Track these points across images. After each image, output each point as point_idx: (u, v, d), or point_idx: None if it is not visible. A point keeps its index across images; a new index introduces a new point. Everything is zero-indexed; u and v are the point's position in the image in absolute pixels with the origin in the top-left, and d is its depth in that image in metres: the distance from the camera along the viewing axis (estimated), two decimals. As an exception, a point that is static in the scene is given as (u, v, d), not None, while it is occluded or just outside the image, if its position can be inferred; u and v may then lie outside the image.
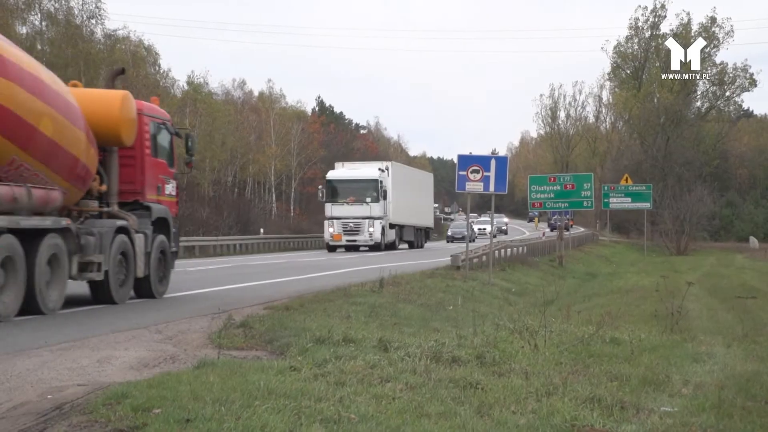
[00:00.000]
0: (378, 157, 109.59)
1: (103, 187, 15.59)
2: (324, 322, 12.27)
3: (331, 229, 43.82)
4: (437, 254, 39.50)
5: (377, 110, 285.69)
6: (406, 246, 50.24)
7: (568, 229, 56.64)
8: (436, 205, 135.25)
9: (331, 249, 44.09)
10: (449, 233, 70.36)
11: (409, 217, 49.16)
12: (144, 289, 16.28)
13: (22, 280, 12.65)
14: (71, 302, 14.51)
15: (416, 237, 51.23)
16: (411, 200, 49.86)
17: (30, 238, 12.89)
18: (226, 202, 58.30)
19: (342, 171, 46.28)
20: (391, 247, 45.98)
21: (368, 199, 43.79)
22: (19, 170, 12.85)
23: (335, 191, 44.02)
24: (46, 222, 13.47)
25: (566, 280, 33.53)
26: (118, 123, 15.29)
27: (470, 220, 49.53)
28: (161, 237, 16.76)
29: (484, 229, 76.87)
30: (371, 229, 43.60)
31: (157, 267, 16.54)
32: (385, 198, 44.29)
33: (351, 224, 43.71)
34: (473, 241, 64.11)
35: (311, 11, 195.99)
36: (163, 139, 17.49)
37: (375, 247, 43.90)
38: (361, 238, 43.80)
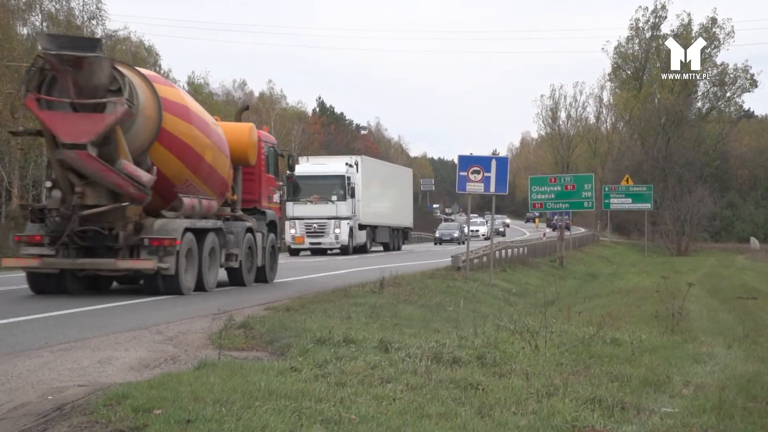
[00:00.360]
0: (378, 158, 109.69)
1: (234, 197, 20.15)
2: (324, 322, 12.27)
3: (292, 231, 39.76)
4: (423, 257, 38.71)
5: (378, 111, 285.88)
6: (381, 248, 47.05)
7: (569, 229, 57.28)
8: (437, 205, 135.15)
9: (294, 253, 40.19)
10: (436, 234, 67.02)
11: (382, 216, 45.63)
12: (260, 276, 20.70)
13: (196, 266, 17.33)
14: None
15: (392, 238, 47.46)
16: (385, 198, 46.55)
17: (199, 236, 17.43)
18: (226, 203, 58.19)
19: (305, 166, 41.48)
20: (361, 250, 42.41)
21: (334, 197, 39.86)
22: (189, 188, 17.40)
23: (297, 189, 38.91)
24: (209, 224, 18.09)
25: (567, 281, 33.53)
26: (246, 148, 20.11)
27: (459, 221, 48.46)
28: (272, 235, 21.61)
29: (477, 230, 73.13)
30: (337, 231, 39.73)
31: (270, 258, 21.28)
32: (353, 196, 40.46)
33: (315, 225, 39.81)
34: (463, 242, 60.57)
35: (312, 12, 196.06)
36: (272, 158, 22.41)
37: (343, 250, 40.51)
38: (327, 241, 40.04)
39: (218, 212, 18.94)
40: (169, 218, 16.75)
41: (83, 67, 15.39)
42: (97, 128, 15.51)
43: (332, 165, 41.45)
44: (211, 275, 17.95)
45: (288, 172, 24.55)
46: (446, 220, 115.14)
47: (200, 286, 17.42)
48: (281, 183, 23.64)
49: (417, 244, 63.96)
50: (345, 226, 40.06)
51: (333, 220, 39.71)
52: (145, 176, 16.01)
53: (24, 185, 43.96)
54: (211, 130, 18.30)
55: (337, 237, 39.85)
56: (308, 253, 40.79)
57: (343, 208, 39.99)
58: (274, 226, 21.84)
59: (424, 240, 75.13)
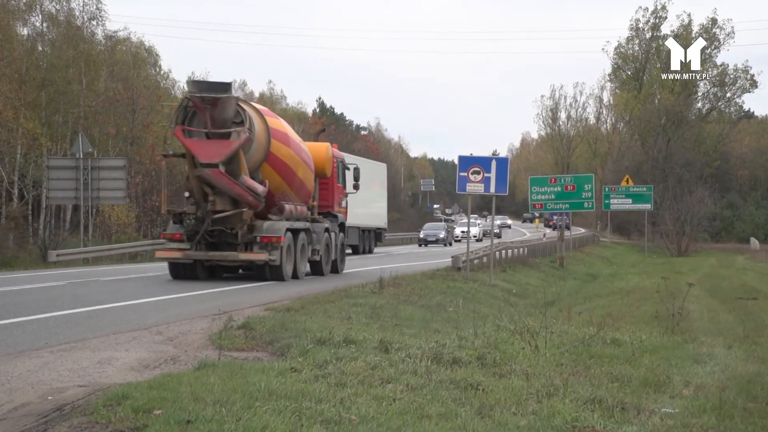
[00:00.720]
0: (378, 159, 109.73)
1: (314, 203, 24.38)
2: (325, 323, 12.28)
3: None
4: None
5: (378, 111, 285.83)
6: (349, 251, 39.65)
7: (568, 228, 57.54)
8: (437, 206, 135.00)
9: None
10: (420, 235, 60.29)
11: (352, 215, 39.88)
12: (333, 267, 25.06)
13: (293, 258, 21.65)
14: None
15: (362, 240, 42.26)
16: (355, 195, 41.48)
17: (294, 234, 21.76)
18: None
19: None
20: None
21: None
22: (285, 197, 21.80)
23: None
24: (301, 225, 22.45)
25: (567, 281, 33.53)
26: (324, 163, 24.92)
27: (444, 220, 47.46)
28: (341, 234, 26.25)
29: (465, 231, 73.33)
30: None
31: (340, 253, 25.80)
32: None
33: None
34: (450, 244, 58.57)
35: (312, 12, 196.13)
36: (341, 171, 27.54)
37: None
38: None
39: (305, 215, 23.27)
40: (274, 221, 21.27)
41: (217, 105, 19.78)
42: (226, 151, 19.88)
43: None
44: (302, 266, 22.53)
45: (354, 182, 29.79)
46: (446, 220, 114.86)
47: (294, 275, 21.82)
48: (347, 192, 29.11)
49: (400, 246, 60.09)
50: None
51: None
52: (260, 188, 20.58)
53: (25, 185, 43.99)
54: (301, 150, 22.89)
55: None
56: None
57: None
58: (343, 227, 26.69)
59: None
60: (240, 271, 23.13)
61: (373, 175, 46.23)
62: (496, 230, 78.68)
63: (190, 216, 20.93)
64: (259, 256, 20.65)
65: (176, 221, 21.33)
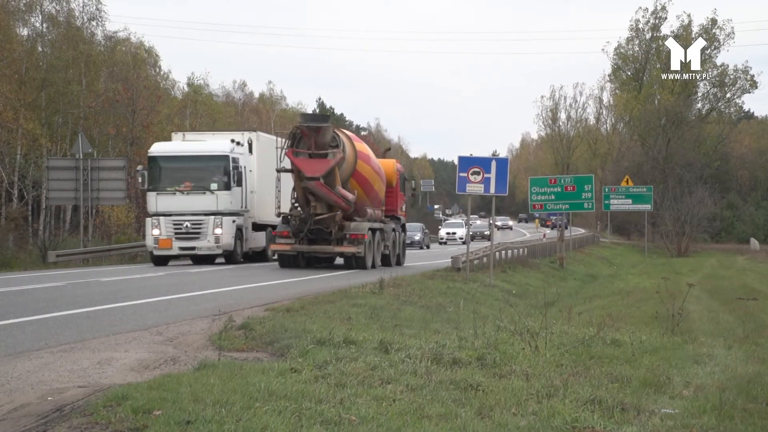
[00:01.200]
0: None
1: (384, 208, 29.90)
2: (325, 323, 12.27)
3: (155, 232, 29.48)
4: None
5: (378, 112, 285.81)
6: None
7: (566, 227, 58.64)
8: (437, 206, 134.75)
9: (160, 261, 29.94)
10: None
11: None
12: (397, 261, 30.59)
13: (372, 251, 27.34)
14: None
15: None
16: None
17: (373, 232, 27.49)
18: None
19: (174, 144, 32.05)
20: (260, 257, 32.57)
21: (213, 186, 29.81)
22: (366, 204, 27.28)
23: (162, 174, 29.88)
24: (378, 225, 28.31)
25: (567, 282, 33.53)
26: (392, 176, 30.51)
27: (443, 221, 46.28)
28: (403, 234, 32.00)
29: (453, 233, 66.25)
30: (218, 231, 29.65)
31: (402, 249, 31.46)
32: (240, 184, 30.26)
33: (187, 224, 29.62)
34: (426, 247, 54.84)
35: (311, 12, 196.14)
36: (402, 181, 32.44)
37: (228, 258, 30.42)
38: (204, 244, 29.70)
39: (379, 218, 29.00)
40: (359, 222, 26.94)
41: (319, 132, 25.30)
42: (325, 167, 25.26)
43: (212, 143, 31.23)
44: (377, 258, 28.11)
45: (413, 191, 35.96)
46: (445, 220, 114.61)
47: (372, 265, 27.29)
48: (407, 198, 34.57)
49: None
50: (229, 224, 30.00)
51: (212, 217, 29.61)
52: (350, 196, 26.03)
53: (25, 186, 43.98)
54: (378, 167, 28.79)
55: (217, 239, 29.71)
56: (188, 261, 31.32)
57: (225, 199, 29.88)
58: (404, 228, 32.52)
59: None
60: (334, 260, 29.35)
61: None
62: (487, 231, 73.38)
63: (295, 218, 26.54)
64: (349, 249, 26.60)
65: (285, 222, 27.10)
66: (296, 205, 26.68)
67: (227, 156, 29.91)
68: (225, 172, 29.82)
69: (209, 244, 29.71)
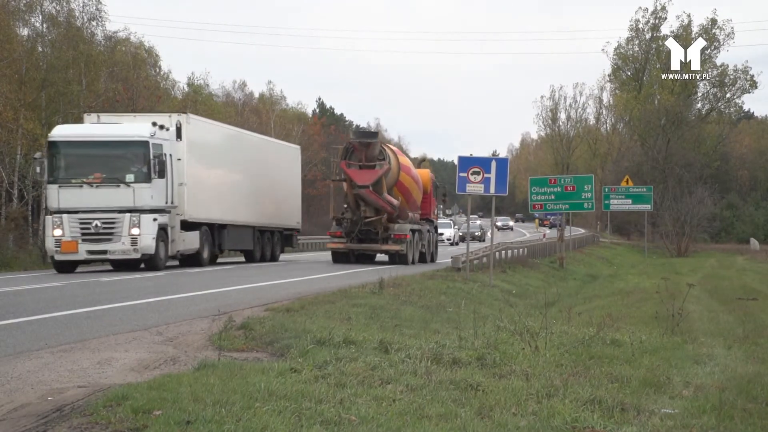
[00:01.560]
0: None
1: (419, 212, 33.84)
2: (325, 323, 12.27)
3: (57, 232, 24.82)
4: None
5: (378, 112, 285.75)
6: (242, 258, 33.52)
7: (555, 225, 63.28)
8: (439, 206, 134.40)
9: (64, 268, 25.05)
10: None
11: (236, 211, 30.62)
12: (431, 258, 34.37)
13: (412, 249, 31.47)
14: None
15: (258, 244, 32.29)
16: (243, 183, 31.41)
17: (413, 233, 31.34)
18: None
19: (81, 127, 27.43)
20: (193, 261, 28.12)
21: (130, 177, 25.18)
22: (406, 208, 30.95)
23: (65, 163, 25.36)
24: (416, 226, 32.24)
25: (567, 282, 33.54)
26: (426, 183, 34.74)
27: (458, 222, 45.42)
28: (435, 234, 36.46)
29: (441, 234, 53.73)
30: (135, 231, 24.84)
31: (435, 248, 35.48)
32: (162, 176, 25.36)
33: (97, 223, 24.80)
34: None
35: (311, 12, 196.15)
36: (435, 188, 36.69)
37: (149, 263, 25.48)
38: (118, 247, 24.92)
39: (417, 220, 32.96)
40: (401, 224, 30.94)
41: (369, 147, 29.19)
42: (374, 177, 29.01)
43: (129, 126, 26.32)
44: (416, 255, 32.18)
45: (442, 197, 40.10)
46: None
47: (412, 261, 31.40)
48: (438, 203, 38.72)
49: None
50: (149, 223, 25.08)
51: (127, 215, 24.89)
52: (395, 201, 30.16)
53: (25, 186, 43.97)
54: (416, 176, 33.08)
55: (134, 241, 24.86)
56: (107, 266, 26.70)
57: (144, 194, 25.12)
58: (436, 229, 36.86)
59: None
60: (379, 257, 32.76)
61: (278, 158, 35.83)
62: (478, 232, 69.97)
63: (347, 220, 30.33)
64: (393, 247, 30.58)
65: (338, 223, 30.77)
66: (348, 209, 30.73)
67: (146, 142, 25.09)
68: (144, 161, 25.04)
69: (124, 247, 24.84)
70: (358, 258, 31.68)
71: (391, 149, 31.55)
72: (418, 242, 32.44)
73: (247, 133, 37.33)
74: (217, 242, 29.71)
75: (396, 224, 30.66)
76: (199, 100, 66.50)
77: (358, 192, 29.26)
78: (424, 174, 35.25)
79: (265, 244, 33.28)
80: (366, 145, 29.10)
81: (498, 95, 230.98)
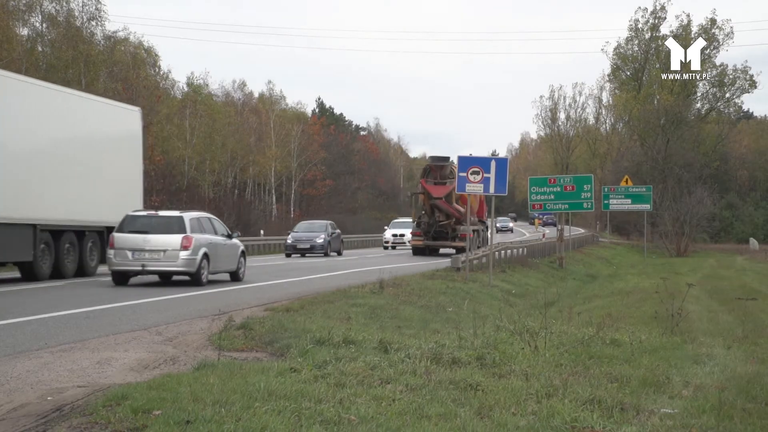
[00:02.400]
0: (378, 160, 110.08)
1: (476, 216, 38.92)
2: (324, 323, 12.27)
3: None
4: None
5: (377, 112, 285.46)
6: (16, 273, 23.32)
7: (554, 225, 64.74)
8: None
9: None
10: (288, 241, 42.11)
11: (6, 198, 20.69)
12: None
13: (473, 245, 33.77)
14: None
15: (54, 251, 22.38)
16: (19, 155, 21.37)
17: (474, 233, 37.15)
18: (226, 204, 58.41)
19: None
20: None
21: None
22: (467, 215, 30.20)
23: None
24: (475, 227, 37.56)
25: (566, 282, 33.53)
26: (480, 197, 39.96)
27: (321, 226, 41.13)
28: (487, 232, 41.57)
29: (402, 235, 49.33)
30: None
31: (485, 243, 39.87)
32: None
33: None
34: (337, 254, 42.56)
35: (311, 12, 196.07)
36: (486, 196, 38.31)
37: None
38: None
39: (475, 223, 38.82)
40: (465, 226, 32.78)
41: (442, 168, 38.49)
42: (446, 191, 37.65)
43: None
44: (474, 248, 34.44)
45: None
46: None
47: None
48: (487, 208, 42.97)
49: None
50: None
51: None
52: (461, 209, 36.66)
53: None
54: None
55: None
56: None
57: None
58: (487, 228, 42.16)
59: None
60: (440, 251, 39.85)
61: (103, 124, 25.28)
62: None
63: (424, 223, 38.91)
64: (460, 244, 37.19)
65: (418, 225, 39.76)
66: (425, 214, 39.34)
67: None
68: None
69: None
70: (431, 251, 40.12)
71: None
72: (476, 239, 38.92)
73: (38, 83, 24.60)
74: None
75: (461, 226, 37.46)
76: (198, 100, 66.50)
77: (434, 202, 38.27)
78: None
79: (64, 252, 22.78)
80: (440, 167, 39.03)
81: (497, 95, 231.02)
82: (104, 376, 8.63)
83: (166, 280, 20.99)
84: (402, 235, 49.43)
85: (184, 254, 19.72)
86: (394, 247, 49.75)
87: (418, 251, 39.88)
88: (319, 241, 41.51)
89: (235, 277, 22.12)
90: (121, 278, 20.41)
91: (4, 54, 42.36)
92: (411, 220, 45.42)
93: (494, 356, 9.57)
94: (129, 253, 19.95)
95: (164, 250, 19.85)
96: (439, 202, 38.10)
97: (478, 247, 38.25)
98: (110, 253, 20.26)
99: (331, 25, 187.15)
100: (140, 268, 19.92)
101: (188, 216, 20.70)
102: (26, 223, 21.41)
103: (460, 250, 36.46)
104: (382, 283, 18.59)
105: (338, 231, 44.88)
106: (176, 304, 15.37)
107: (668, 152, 74.98)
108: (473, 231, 37.67)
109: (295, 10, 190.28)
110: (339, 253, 43.10)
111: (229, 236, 22.42)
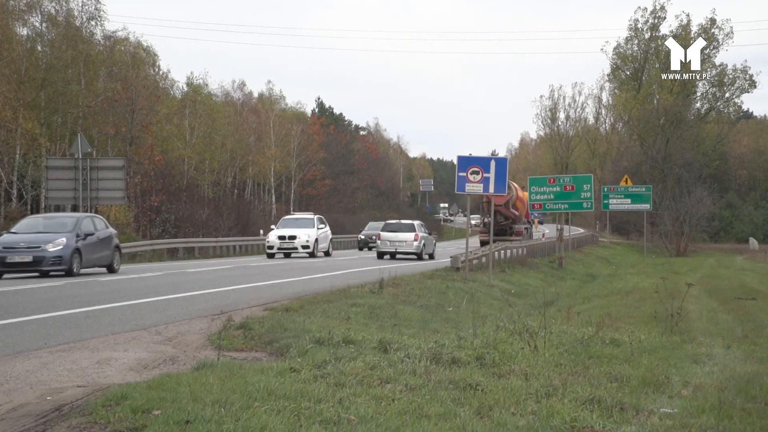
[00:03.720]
0: (378, 159, 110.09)
1: (525, 218, 50.18)
2: (324, 323, 12.27)
3: None
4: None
5: (377, 111, 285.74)
6: None
7: (542, 222, 76.42)
8: (445, 205, 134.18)
9: None
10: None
11: None
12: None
13: (526, 238, 50.14)
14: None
15: None
16: None
17: (525, 230, 50.96)
18: (225, 204, 58.36)
19: None
20: None
21: None
22: (521, 216, 48.67)
23: None
24: (525, 226, 50.39)
25: (566, 282, 33.53)
26: (527, 200, 44.60)
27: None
28: (531, 229, 54.88)
29: (293, 239, 36.33)
30: None
31: (530, 237, 51.07)
32: None
33: None
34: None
35: (311, 12, 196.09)
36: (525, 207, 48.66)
37: None
38: None
39: (524, 222, 48.91)
40: (519, 225, 46.95)
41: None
42: (505, 200, 43.60)
43: None
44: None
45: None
46: (445, 221, 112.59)
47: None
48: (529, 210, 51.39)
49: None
50: None
51: None
52: (517, 213, 46.96)
53: (24, 185, 43.95)
54: (523, 197, 46.06)
55: None
56: None
57: None
58: (531, 226, 53.69)
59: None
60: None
61: None
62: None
63: (488, 223, 37.92)
64: (516, 238, 44.79)
65: (484, 225, 47.26)
66: (488, 216, 42.23)
67: None
68: None
69: None
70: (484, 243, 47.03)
71: (513, 184, 46.59)
72: (526, 234, 49.00)
73: None
74: None
75: (516, 225, 47.51)
76: (198, 100, 66.48)
77: (496, 208, 42.79)
78: (526, 194, 46.47)
79: None
80: None
81: (497, 95, 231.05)
82: (104, 375, 8.62)
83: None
84: (294, 238, 36.79)
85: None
86: (288, 255, 37.11)
87: (483, 245, 44.25)
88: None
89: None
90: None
91: (4, 54, 42.34)
92: (310, 216, 38.35)
93: (494, 356, 9.57)
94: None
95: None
96: (500, 208, 44.88)
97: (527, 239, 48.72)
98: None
99: (331, 25, 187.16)
100: None
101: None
102: None
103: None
104: (381, 282, 18.57)
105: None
106: (175, 304, 15.36)
107: (668, 152, 74.98)
108: (524, 228, 49.68)
109: (295, 10, 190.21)
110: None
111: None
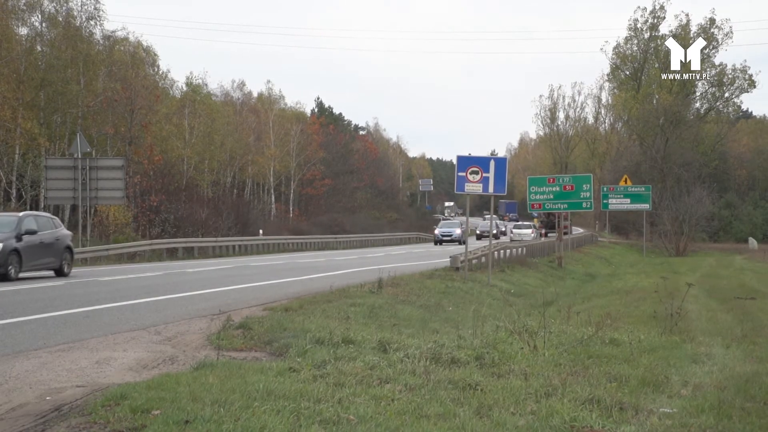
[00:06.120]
0: (377, 159, 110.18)
1: (566, 225, 51.39)
2: (323, 323, 12.26)
3: None
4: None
5: (377, 111, 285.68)
6: None
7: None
8: (451, 203, 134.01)
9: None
10: None
11: None
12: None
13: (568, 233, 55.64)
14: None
15: None
16: None
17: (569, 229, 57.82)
18: (225, 204, 58.32)
19: None
20: None
21: None
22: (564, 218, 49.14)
23: None
24: (566, 222, 48.62)
25: (565, 281, 33.53)
26: None
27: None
28: (570, 226, 58.19)
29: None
30: None
31: (571, 232, 55.91)
32: None
33: None
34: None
35: (311, 12, 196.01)
36: None
37: None
38: None
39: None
40: (565, 221, 41.78)
41: None
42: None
43: None
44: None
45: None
46: (444, 221, 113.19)
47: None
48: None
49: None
50: None
51: None
52: (564, 222, 47.21)
53: (24, 185, 43.94)
54: None
55: None
56: None
57: None
58: (570, 223, 56.53)
59: (423, 240, 74.83)
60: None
61: None
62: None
63: (543, 221, 51.63)
64: (564, 235, 45.06)
65: (540, 221, 56.89)
66: (542, 218, 50.41)
67: None
68: None
69: None
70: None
71: None
72: (569, 230, 53.96)
73: None
74: None
75: (564, 221, 48.79)
76: (197, 100, 66.48)
77: (550, 212, 48.73)
78: None
79: None
80: None
81: (497, 94, 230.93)
82: (103, 375, 8.62)
83: None
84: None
85: None
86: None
87: (540, 236, 57.45)
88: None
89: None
90: None
91: (3, 53, 42.34)
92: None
93: (493, 356, 9.57)
94: None
95: None
96: (553, 215, 51.92)
97: (565, 233, 51.85)
98: None
99: (330, 25, 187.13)
100: None
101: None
102: None
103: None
104: (381, 282, 18.57)
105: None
106: (175, 304, 15.35)
107: (667, 152, 74.96)
108: (567, 223, 53.57)
109: (295, 10, 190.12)
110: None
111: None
